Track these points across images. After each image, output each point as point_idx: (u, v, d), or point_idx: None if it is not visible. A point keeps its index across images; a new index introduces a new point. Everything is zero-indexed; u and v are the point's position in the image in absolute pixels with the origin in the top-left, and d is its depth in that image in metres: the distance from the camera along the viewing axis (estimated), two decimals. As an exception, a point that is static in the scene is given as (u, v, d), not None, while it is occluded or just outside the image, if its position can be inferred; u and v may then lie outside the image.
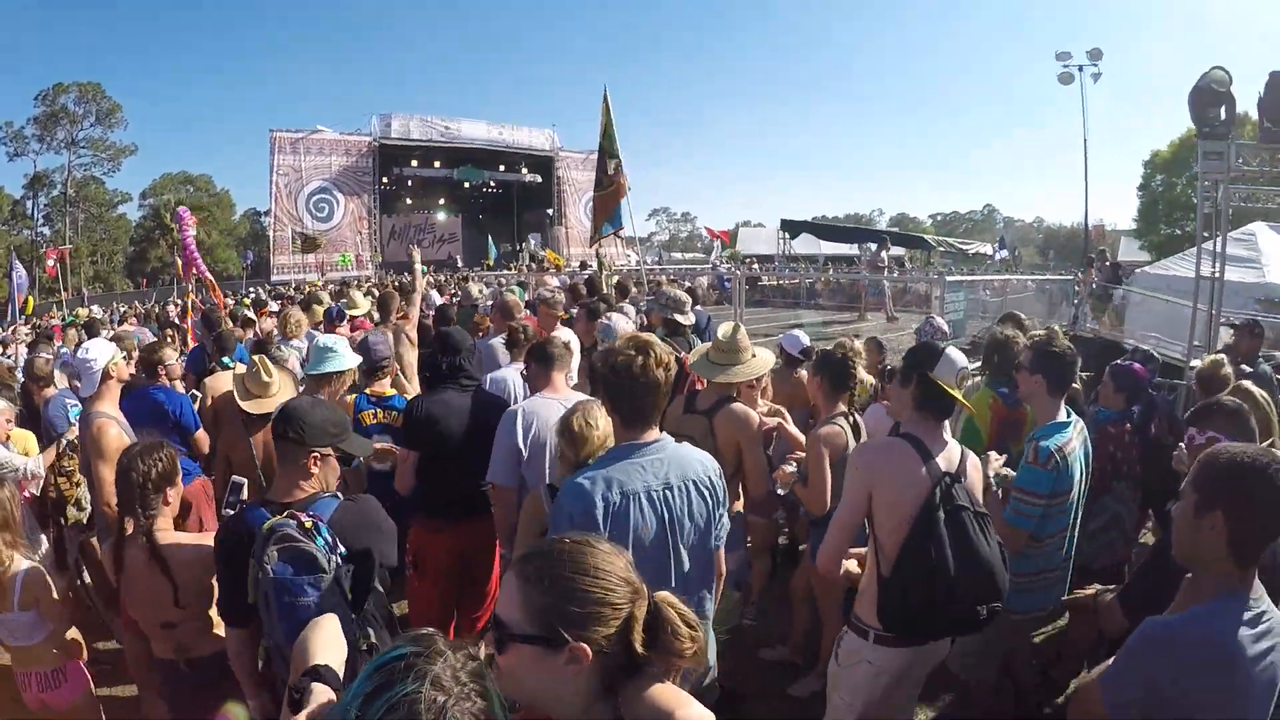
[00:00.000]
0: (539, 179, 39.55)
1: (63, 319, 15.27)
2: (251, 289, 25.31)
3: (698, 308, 5.46)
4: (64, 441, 4.10)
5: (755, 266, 28.89)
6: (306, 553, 1.95)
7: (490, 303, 7.32)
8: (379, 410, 3.84)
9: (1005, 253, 30.13)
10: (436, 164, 37.49)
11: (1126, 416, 3.68)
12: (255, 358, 4.03)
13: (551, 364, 3.21)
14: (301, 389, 3.94)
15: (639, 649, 1.13)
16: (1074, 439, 2.75)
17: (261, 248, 38.53)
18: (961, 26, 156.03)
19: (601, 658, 1.11)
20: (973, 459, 2.36)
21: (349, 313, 6.70)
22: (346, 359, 3.77)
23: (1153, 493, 3.64)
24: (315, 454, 2.17)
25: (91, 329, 8.82)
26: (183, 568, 2.36)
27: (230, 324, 6.26)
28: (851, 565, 2.42)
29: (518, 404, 3.21)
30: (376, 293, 8.34)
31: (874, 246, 21.72)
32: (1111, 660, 1.64)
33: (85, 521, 4.15)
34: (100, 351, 3.51)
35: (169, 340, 6.09)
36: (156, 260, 44.64)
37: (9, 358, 8.89)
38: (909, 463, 2.19)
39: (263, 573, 1.93)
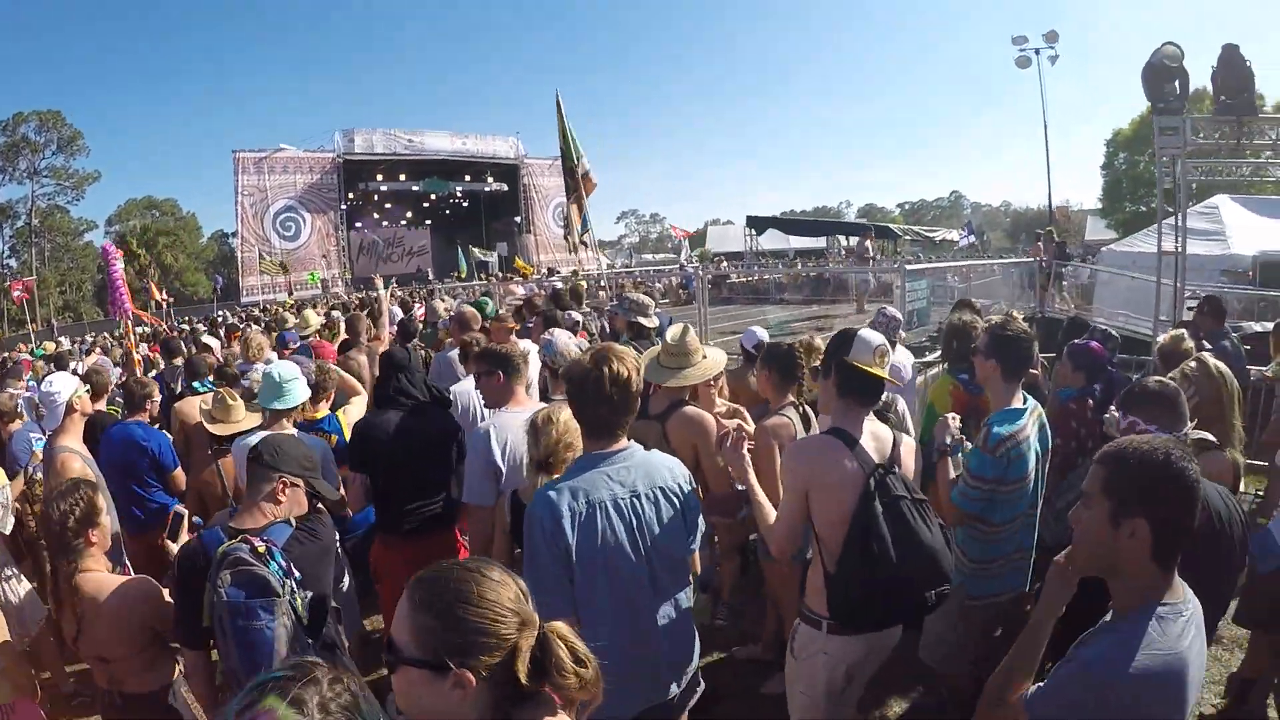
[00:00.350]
0: (505, 187, 39.45)
1: (31, 352, 14.98)
2: (221, 312, 24.96)
3: (657, 310, 5.45)
4: (30, 468, 4.05)
5: (724, 264, 28.97)
6: (259, 576, 1.99)
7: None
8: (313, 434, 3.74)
9: (973, 238, 30.52)
10: (402, 177, 37.26)
11: (1088, 394, 3.64)
12: (222, 390, 4.11)
13: (513, 376, 3.16)
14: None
15: (523, 680, 1.11)
16: (1029, 426, 2.68)
17: (231, 270, 38.02)
18: (922, 13, 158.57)
19: (490, 685, 1.10)
20: (907, 443, 2.36)
21: (300, 335, 6.53)
22: (301, 393, 3.65)
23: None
24: (286, 480, 2.22)
25: (60, 362, 8.62)
26: (106, 610, 2.31)
27: (194, 349, 6.36)
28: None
29: (486, 422, 3.16)
30: (339, 313, 8.22)
31: (855, 238, 21.86)
32: (1040, 685, 1.52)
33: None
34: (63, 385, 3.53)
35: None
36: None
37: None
38: (841, 459, 2.16)
39: (216, 596, 1.98)
